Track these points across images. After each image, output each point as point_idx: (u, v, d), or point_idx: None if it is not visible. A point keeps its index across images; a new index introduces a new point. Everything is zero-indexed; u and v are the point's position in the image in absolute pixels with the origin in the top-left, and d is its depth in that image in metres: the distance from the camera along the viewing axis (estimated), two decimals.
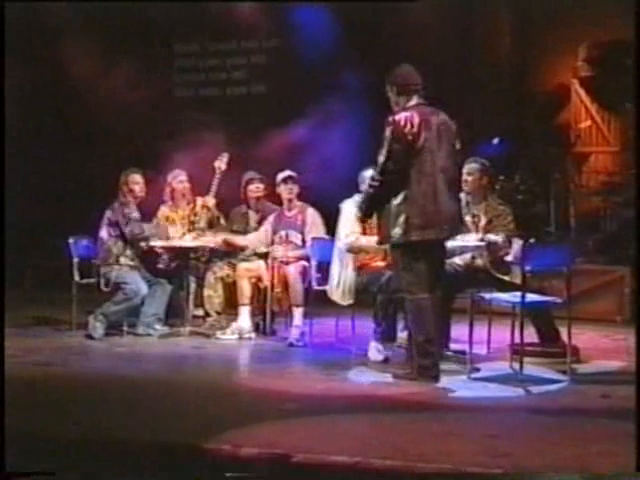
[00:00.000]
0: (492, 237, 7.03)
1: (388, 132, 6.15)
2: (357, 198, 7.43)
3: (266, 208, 8.69)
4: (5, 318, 6.24)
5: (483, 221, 7.16)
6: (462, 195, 6.95)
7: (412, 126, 6.11)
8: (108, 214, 8.44)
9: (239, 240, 8.49)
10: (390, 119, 6.21)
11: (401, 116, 6.17)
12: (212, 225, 8.69)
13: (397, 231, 6.15)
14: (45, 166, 11.76)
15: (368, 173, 7.46)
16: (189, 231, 8.62)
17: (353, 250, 7.32)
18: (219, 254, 8.64)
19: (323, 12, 10.87)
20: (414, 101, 6.29)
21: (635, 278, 8.77)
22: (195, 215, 8.66)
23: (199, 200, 8.70)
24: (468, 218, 7.11)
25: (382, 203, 6.24)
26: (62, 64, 11.66)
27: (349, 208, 7.39)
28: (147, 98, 11.39)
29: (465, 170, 7.03)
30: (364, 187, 6.53)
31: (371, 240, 7.01)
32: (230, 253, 8.62)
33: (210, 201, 8.62)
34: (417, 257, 6.21)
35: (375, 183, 6.24)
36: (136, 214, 8.47)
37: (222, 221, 8.79)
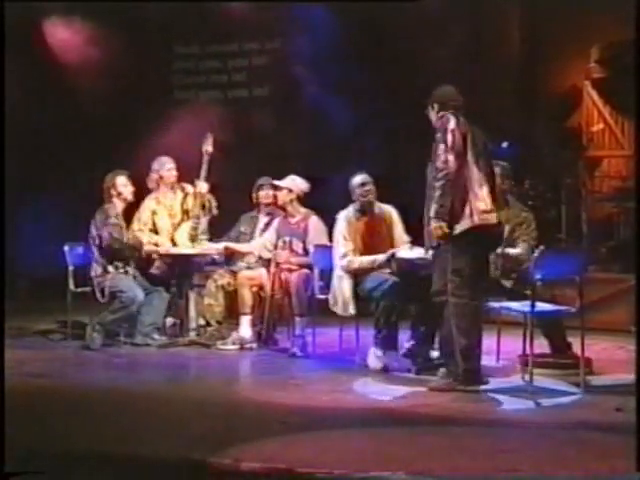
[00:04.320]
0: (511, 251, 6.94)
1: (443, 146, 6.21)
2: (351, 209, 7.32)
3: (275, 213, 8.58)
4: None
5: (505, 230, 6.94)
6: None
7: (460, 137, 6.25)
8: (92, 222, 8.29)
9: (241, 247, 8.40)
10: (439, 134, 6.28)
11: (450, 126, 6.26)
12: (205, 210, 8.53)
13: (461, 221, 6.18)
14: (38, 170, 11.71)
15: (355, 179, 7.38)
16: (183, 221, 8.51)
17: (350, 271, 7.25)
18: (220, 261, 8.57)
19: (325, 12, 10.84)
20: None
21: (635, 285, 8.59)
22: (188, 204, 8.52)
23: (189, 187, 8.59)
24: None
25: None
26: (59, 66, 11.59)
27: (340, 222, 7.38)
28: (146, 100, 11.33)
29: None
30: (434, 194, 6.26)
31: (365, 260, 7.18)
32: (231, 261, 8.54)
33: (203, 186, 8.49)
34: (466, 260, 6.22)
35: (439, 190, 6.19)
36: (114, 219, 8.27)
37: (214, 203, 8.58)
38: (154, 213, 8.55)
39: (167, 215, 8.55)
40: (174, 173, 8.59)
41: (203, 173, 8.47)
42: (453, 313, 6.23)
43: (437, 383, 6.35)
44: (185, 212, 8.54)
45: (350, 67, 10.69)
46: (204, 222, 8.54)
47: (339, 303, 7.23)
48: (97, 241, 8.21)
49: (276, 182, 8.26)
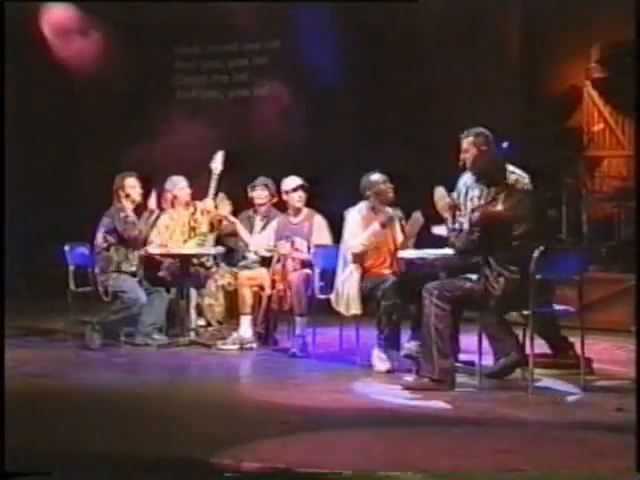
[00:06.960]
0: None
1: None
2: (363, 205, 7.29)
3: (272, 214, 8.56)
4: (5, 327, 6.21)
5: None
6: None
7: None
8: (105, 221, 8.31)
9: (244, 234, 8.37)
10: None
11: None
12: (213, 228, 8.51)
13: None
14: (38, 170, 11.70)
15: (374, 177, 7.32)
16: (190, 237, 8.48)
17: (360, 256, 7.21)
18: (222, 260, 8.58)
19: (325, 12, 10.80)
20: None
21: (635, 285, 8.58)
22: (195, 221, 8.48)
23: (199, 204, 8.54)
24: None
25: None
26: (60, 67, 11.61)
27: (353, 217, 7.31)
28: (147, 101, 11.32)
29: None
30: None
31: (365, 236, 7.19)
32: (232, 260, 8.57)
33: (209, 203, 8.41)
34: None
35: None
36: (133, 217, 8.32)
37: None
38: (167, 228, 8.53)
39: (179, 232, 8.54)
40: (187, 192, 8.58)
41: (212, 191, 8.40)
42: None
43: (412, 383, 6.40)
44: (192, 229, 8.52)
45: (349, 67, 10.69)
46: (211, 239, 8.53)
47: (342, 302, 7.20)
48: (114, 236, 8.20)
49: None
